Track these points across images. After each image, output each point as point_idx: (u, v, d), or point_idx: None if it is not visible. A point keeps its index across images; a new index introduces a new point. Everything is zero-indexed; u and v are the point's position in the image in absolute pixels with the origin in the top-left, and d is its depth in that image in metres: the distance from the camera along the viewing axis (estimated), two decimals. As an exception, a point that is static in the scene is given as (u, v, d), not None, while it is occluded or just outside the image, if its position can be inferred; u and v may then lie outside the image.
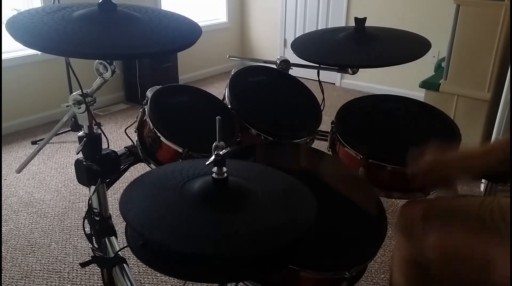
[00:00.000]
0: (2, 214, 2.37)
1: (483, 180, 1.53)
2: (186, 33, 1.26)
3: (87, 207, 1.46)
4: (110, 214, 1.52)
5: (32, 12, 1.18)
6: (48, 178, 2.77)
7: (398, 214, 1.30)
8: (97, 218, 1.47)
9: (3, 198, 2.53)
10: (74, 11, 1.18)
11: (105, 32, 1.14)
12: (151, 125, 1.34)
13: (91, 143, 1.37)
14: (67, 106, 1.33)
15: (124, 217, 0.81)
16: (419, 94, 2.86)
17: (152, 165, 1.38)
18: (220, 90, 2.99)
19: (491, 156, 1.03)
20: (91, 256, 1.44)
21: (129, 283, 1.36)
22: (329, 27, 4.11)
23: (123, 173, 1.56)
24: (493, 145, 1.07)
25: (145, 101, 1.41)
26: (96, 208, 1.46)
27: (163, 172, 0.99)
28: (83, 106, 1.32)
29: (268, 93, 1.70)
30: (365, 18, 1.65)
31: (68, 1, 1.31)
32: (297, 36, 1.82)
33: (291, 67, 1.84)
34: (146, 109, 1.38)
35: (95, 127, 1.38)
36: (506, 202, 1.05)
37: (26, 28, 1.09)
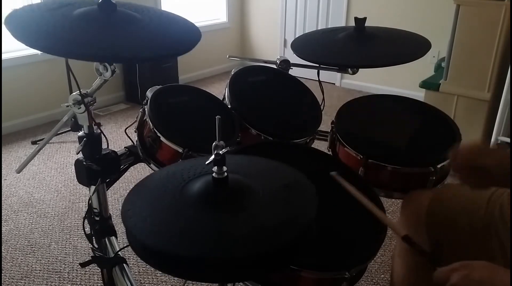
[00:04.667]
0: (2, 214, 2.37)
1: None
2: (185, 37, 1.26)
3: (87, 207, 1.46)
4: (110, 214, 1.52)
5: (33, 8, 1.17)
6: (48, 178, 2.77)
7: (401, 205, 1.30)
8: (97, 218, 1.47)
9: (3, 198, 2.53)
10: (76, 8, 1.17)
11: (105, 33, 1.13)
12: (151, 125, 1.34)
13: (91, 143, 1.37)
14: (67, 106, 1.33)
15: (126, 225, 0.82)
16: (419, 94, 2.86)
17: (152, 165, 1.38)
18: (220, 90, 2.99)
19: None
20: (91, 256, 1.44)
21: (129, 283, 1.35)
22: (329, 27, 4.11)
23: (123, 173, 1.56)
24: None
25: (145, 101, 1.41)
26: (96, 208, 1.46)
27: (163, 175, 0.99)
28: (83, 106, 1.31)
29: (268, 93, 1.70)
30: (365, 18, 1.65)
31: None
32: (297, 36, 1.82)
33: (291, 67, 1.84)
34: (146, 109, 1.38)
35: (95, 127, 1.38)
36: None
37: (25, 26, 1.09)
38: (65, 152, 3.11)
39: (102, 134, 1.40)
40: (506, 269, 0.78)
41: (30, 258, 2.04)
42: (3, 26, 1.06)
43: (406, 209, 1.28)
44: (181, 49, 1.20)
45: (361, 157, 1.34)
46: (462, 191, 1.17)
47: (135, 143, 1.46)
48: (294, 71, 1.80)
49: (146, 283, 1.88)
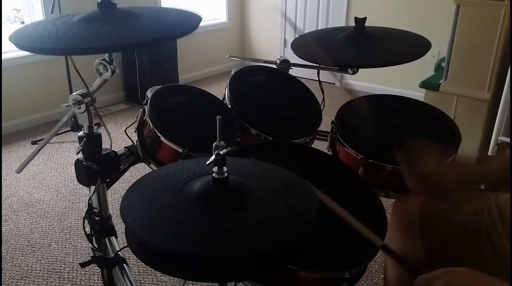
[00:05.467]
0: (2, 214, 2.37)
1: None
2: (186, 20, 1.25)
3: (87, 207, 1.46)
4: (110, 214, 1.52)
5: (35, 23, 1.20)
6: (48, 178, 2.77)
7: (393, 207, 1.30)
8: (97, 218, 1.47)
9: (3, 198, 2.53)
10: (76, 16, 1.19)
11: (104, 27, 1.13)
12: (151, 125, 1.34)
13: (91, 143, 1.37)
14: (67, 106, 1.33)
15: (125, 221, 0.81)
16: (419, 94, 2.86)
17: (152, 165, 1.38)
18: (220, 90, 2.98)
19: (487, 176, 1.04)
20: (91, 256, 1.44)
21: (129, 283, 1.35)
22: (329, 27, 4.11)
23: (123, 173, 1.56)
24: (491, 162, 1.07)
25: (145, 101, 1.41)
26: (96, 208, 1.46)
27: (163, 173, 0.99)
28: (83, 106, 1.31)
29: (268, 93, 1.70)
30: (365, 18, 1.65)
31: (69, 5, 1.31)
32: (297, 36, 1.82)
33: (291, 67, 1.84)
34: (146, 109, 1.38)
35: (95, 127, 1.38)
36: (504, 199, 1.06)
37: (29, 37, 1.11)
38: (65, 152, 3.11)
39: (107, 133, 1.40)
40: (488, 276, 0.78)
41: (30, 258, 2.04)
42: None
43: (397, 211, 1.28)
44: (183, 30, 1.19)
45: (361, 157, 1.34)
46: (452, 195, 1.18)
47: (135, 143, 1.46)
48: (294, 71, 1.80)
49: (146, 283, 1.88)
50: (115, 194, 2.50)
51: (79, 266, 1.90)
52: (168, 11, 1.32)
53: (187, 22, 1.23)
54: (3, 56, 3.22)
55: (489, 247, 1.03)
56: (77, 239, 2.17)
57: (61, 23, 1.14)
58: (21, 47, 1.06)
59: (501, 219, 1.03)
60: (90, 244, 1.46)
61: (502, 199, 1.06)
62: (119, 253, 1.40)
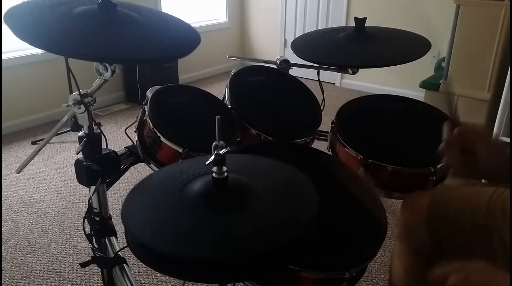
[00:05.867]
0: (2, 214, 2.37)
1: (483, 180, 1.53)
2: (185, 40, 1.27)
3: (87, 207, 1.46)
4: (110, 214, 1.53)
5: (31, 5, 1.17)
6: (48, 178, 2.77)
7: (402, 205, 1.30)
8: (97, 218, 1.47)
9: (3, 198, 2.53)
10: (74, 7, 1.17)
11: (105, 34, 1.14)
12: (151, 125, 1.34)
13: (91, 143, 1.37)
14: (67, 106, 1.33)
15: (126, 225, 0.81)
16: (419, 94, 2.87)
17: (152, 165, 1.38)
18: (220, 90, 2.99)
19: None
20: (91, 256, 1.44)
21: (129, 283, 1.36)
22: (329, 27, 4.11)
23: (123, 173, 1.56)
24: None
25: (145, 101, 1.41)
26: (96, 208, 1.46)
27: (163, 174, 0.99)
28: (83, 106, 1.32)
29: (268, 93, 1.70)
30: (365, 18, 1.65)
31: None
32: (297, 36, 1.82)
33: (291, 67, 1.84)
34: (146, 109, 1.38)
35: (95, 127, 1.38)
36: (508, 194, 1.05)
37: (26, 24, 1.09)
38: (65, 152, 3.11)
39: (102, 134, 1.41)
40: (506, 273, 0.77)
41: (30, 258, 2.04)
42: (3, 23, 1.06)
43: (405, 210, 1.28)
44: (180, 52, 1.21)
45: (361, 157, 1.34)
46: (462, 190, 1.17)
47: (135, 143, 1.46)
48: (294, 71, 1.80)
49: (146, 283, 1.88)
50: (115, 194, 2.50)
51: (79, 266, 1.90)
52: (168, 21, 1.32)
53: (186, 42, 1.25)
54: (3, 56, 3.22)
55: (499, 245, 1.02)
56: (77, 239, 2.17)
57: (59, 13, 1.14)
58: (20, 36, 1.03)
59: (503, 216, 1.03)
60: (90, 244, 1.47)
61: (507, 194, 1.05)
62: (119, 253, 1.41)
